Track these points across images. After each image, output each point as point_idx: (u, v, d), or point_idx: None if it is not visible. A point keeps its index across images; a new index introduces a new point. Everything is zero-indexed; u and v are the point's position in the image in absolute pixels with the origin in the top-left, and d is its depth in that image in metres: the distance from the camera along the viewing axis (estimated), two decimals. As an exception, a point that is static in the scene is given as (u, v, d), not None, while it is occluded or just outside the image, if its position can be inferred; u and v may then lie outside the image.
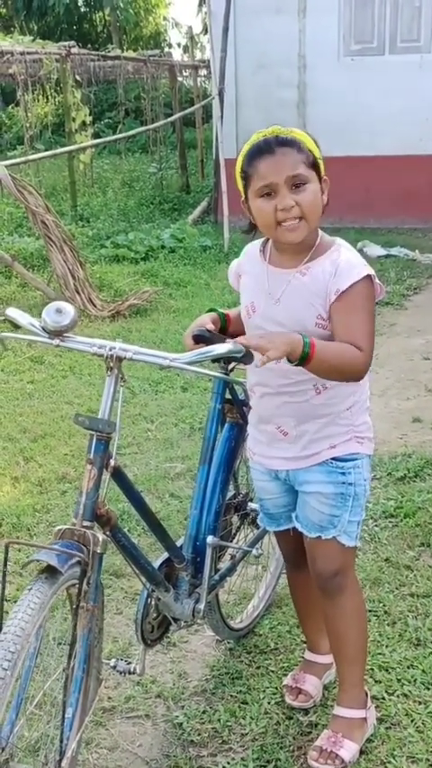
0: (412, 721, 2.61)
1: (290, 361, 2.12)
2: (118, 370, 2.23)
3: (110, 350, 2.22)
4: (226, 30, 11.30)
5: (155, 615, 2.61)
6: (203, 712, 2.70)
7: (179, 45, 30.37)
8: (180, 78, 16.71)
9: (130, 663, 2.50)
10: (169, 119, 12.79)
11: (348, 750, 2.46)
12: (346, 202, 10.67)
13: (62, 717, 2.05)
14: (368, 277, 2.25)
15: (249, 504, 3.00)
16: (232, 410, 2.79)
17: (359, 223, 10.85)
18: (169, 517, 3.82)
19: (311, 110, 11.88)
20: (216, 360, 2.43)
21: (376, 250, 9.62)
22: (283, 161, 2.20)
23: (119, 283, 8.16)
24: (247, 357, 2.25)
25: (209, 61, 14.96)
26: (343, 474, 2.40)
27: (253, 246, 2.45)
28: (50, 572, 1.99)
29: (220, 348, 2.14)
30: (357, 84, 11.51)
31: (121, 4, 26.50)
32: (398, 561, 3.47)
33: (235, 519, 2.97)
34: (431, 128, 11.39)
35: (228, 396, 2.78)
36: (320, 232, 2.33)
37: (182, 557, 2.63)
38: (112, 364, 2.22)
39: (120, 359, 2.22)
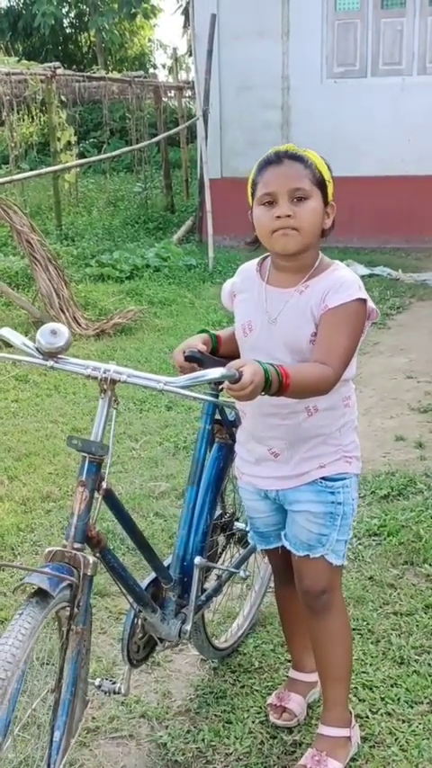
0: (396, 740, 2.62)
1: (266, 392, 2.12)
2: (111, 393, 2.25)
3: (104, 372, 2.23)
4: (210, 52, 11.40)
5: (141, 635, 2.61)
6: (188, 732, 2.70)
7: (164, 66, 30.64)
8: (165, 99, 16.80)
9: (114, 683, 2.50)
10: (154, 139, 12.85)
11: None
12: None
13: (50, 740, 2.05)
14: (360, 300, 2.28)
15: (236, 523, 3.02)
16: (221, 430, 2.80)
17: (343, 243, 10.94)
18: (154, 536, 3.82)
19: (295, 131, 11.98)
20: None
21: (359, 269, 9.68)
22: (288, 173, 2.25)
23: (104, 302, 8.18)
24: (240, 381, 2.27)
25: (194, 82, 15.08)
26: (332, 493, 2.43)
27: (249, 266, 2.48)
28: (41, 595, 1.99)
29: (214, 372, 2.14)
30: (340, 106, 11.63)
31: (107, 26, 26.68)
32: (381, 580, 3.49)
33: (221, 539, 2.98)
34: (413, 149, 11.51)
35: (217, 416, 2.79)
36: (321, 254, 2.37)
37: (169, 577, 2.63)
38: (105, 387, 2.24)
39: (114, 381, 2.23)
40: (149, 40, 31.87)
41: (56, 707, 2.08)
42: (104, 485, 2.24)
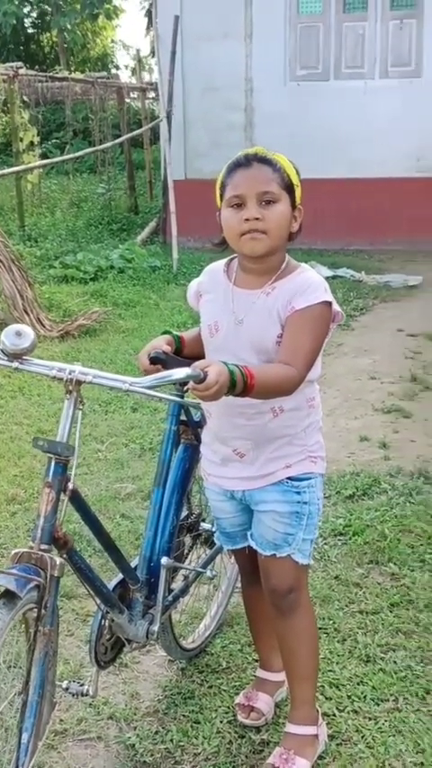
0: (362, 737, 2.64)
1: (230, 392, 2.13)
2: (77, 394, 2.25)
3: (69, 373, 2.23)
4: (174, 53, 11.41)
5: (108, 637, 2.61)
6: (156, 733, 2.70)
7: (127, 67, 30.61)
8: (128, 100, 16.77)
9: (82, 685, 2.50)
10: (117, 140, 12.82)
11: (300, 767, 2.48)
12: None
13: (17, 742, 2.04)
14: (326, 303, 2.31)
15: (202, 524, 3.02)
16: (187, 431, 2.81)
17: (306, 244, 10.98)
18: (120, 538, 3.82)
19: (258, 133, 12.03)
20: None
21: (323, 271, 9.74)
22: (256, 176, 2.28)
23: (68, 303, 8.15)
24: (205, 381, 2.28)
25: (157, 83, 15.07)
26: (298, 493, 2.44)
27: (215, 266, 2.49)
28: (8, 597, 1.98)
29: (179, 373, 2.14)
30: (303, 109, 11.69)
31: (69, 26, 26.59)
32: (347, 579, 3.52)
33: (188, 539, 2.99)
34: (376, 152, 11.60)
35: (183, 417, 2.80)
36: (287, 257, 2.39)
37: (136, 578, 2.64)
38: (71, 388, 2.23)
39: (79, 382, 2.23)
40: (112, 41, 31.83)
41: (23, 709, 2.07)
42: (71, 486, 2.24)
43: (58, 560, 2.15)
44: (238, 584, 3.33)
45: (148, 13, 26.30)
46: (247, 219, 2.27)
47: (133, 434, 5.16)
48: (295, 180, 2.34)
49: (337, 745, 2.62)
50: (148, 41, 28.09)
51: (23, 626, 2.14)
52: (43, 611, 2.10)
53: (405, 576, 3.55)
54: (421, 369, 6.49)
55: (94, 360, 6.54)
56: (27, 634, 2.16)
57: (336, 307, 2.36)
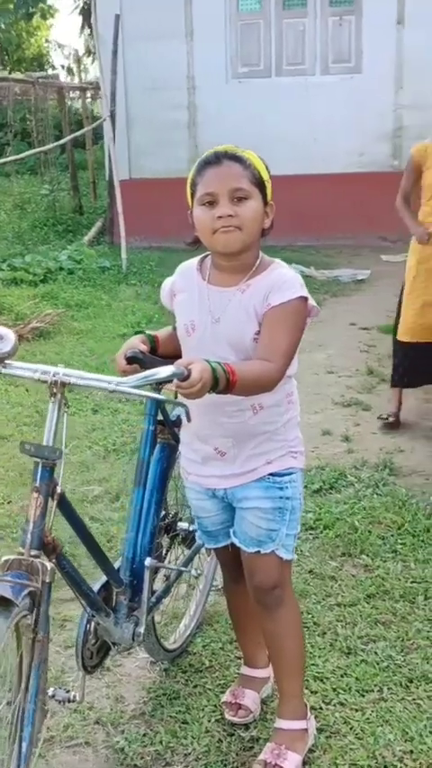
0: (351, 729, 2.66)
1: (213, 390, 2.14)
2: (62, 396, 2.22)
3: (54, 375, 2.20)
4: (115, 52, 11.35)
5: (93, 641, 2.59)
6: (144, 735, 2.68)
7: (63, 67, 30.32)
8: (68, 100, 16.63)
9: (68, 691, 2.47)
10: (61, 141, 12.69)
11: (292, 761, 2.48)
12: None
13: (12, 752, 2.01)
14: (301, 298, 2.32)
15: (179, 523, 3.02)
16: (164, 431, 2.79)
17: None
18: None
19: (202, 131, 12.03)
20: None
21: (273, 268, 9.77)
22: (227, 173, 2.28)
23: (19, 306, 8.04)
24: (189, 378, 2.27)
25: (96, 83, 14.97)
26: (280, 489, 2.45)
27: (188, 264, 2.49)
28: (4, 604, 1.96)
29: (164, 371, 2.14)
30: (246, 106, 11.71)
31: (3, 26, 26.26)
32: (322, 572, 3.54)
33: (165, 540, 2.98)
34: (319, 148, 11.68)
35: (159, 417, 2.79)
36: (261, 254, 2.39)
37: (120, 581, 2.62)
38: (55, 390, 2.21)
39: (64, 384, 2.21)
40: (47, 41, 31.51)
41: (21, 718, 2.04)
42: (59, 489, 2.22)
43: (49, 565, 2.13)
44: (215, 583, 3.34)
45: (83, 12, 26.10)
46: (220, 217, 2.27)
47: (95, 436, 5.12)
48: (265, 176, 2.34)
49: (327, 737, 2.63)
50: (83, 41, 27.91)
51: (15, 634, 2.11)
52: (37, 617, 2.07)
53: (378, 567, 3.59)
54: (376, 361, 6.55)
55: (51, 362, 6.44)
56: (18, 641, 2.13)
57: (311, 301, 2.37)
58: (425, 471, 4.59)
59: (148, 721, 2.75)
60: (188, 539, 3.05)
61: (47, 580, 2.10)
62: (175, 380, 2.10)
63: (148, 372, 2.20)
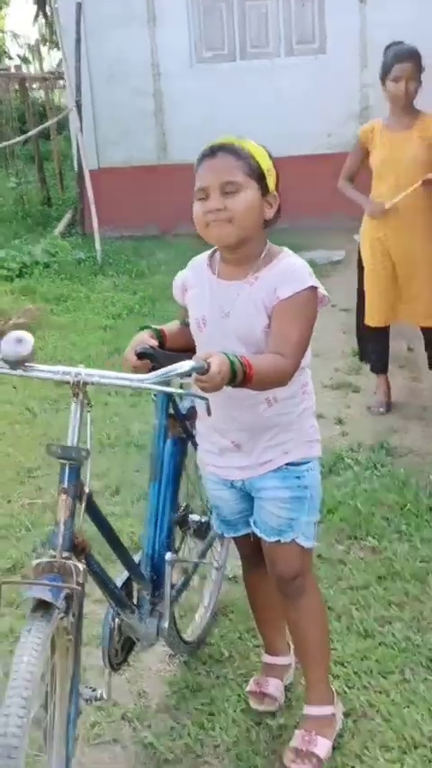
0: (377, 711, 2.68)
1: (231, 383, 2.14)
2: (84, 396, 2.21)
3: (75, 376, 2.19)
4: (78, 41, 11.23)
5: (118, 638, 2.59)
6: (171, 729, 2.69)
7: (19, 57, 29.98)
8: (30, 91, 16.45)
9: (94, 690, 2.46)
10: (28, 133, 12.53)
11: (323, 747, 2.51)
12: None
13: (65, 753, 2.01)
14: (311, 288, 2.31)
15: (190, 516, 3.02)
16: (175, 425, 2.79)
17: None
18: (93, 537, 3.76)
19: (169, 117, 11.95)
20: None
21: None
22: (220, 166, 2.28)
23: (-3, 303, 7.98)
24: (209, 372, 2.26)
25: (57, 72, 14.81)
26: (298, 478, 2.46)
27: (199, 259, 2.49)
28: (45, 608, 1.95)
29: (184, 366, 2.13)
30: (213, 90, 11.63)
31: (-43, 17, 25.91)
32: (330, 557, 3.55)
33: (178, 533, 2.98)
34: (287, 130, 11.63)
35: (171, 411, 2.78)
36: (269, 243, 2.38)
37: (142, 576, 2.62)
38: (78, 390, 2.20)
39: (85, 384, 2.20)
40: (2, 31, 31.13)
41: (68, 720, 2.05)
42: (87, 490, 2.21)
43: (81, 567, 2.12)
44: (226, 572, 3.35)
45: (38, 2, 25.84)
46: (209, 211, 2.27)
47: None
48: (266, 165, 2.33)
49: (354, 721, 2.66)
50: (37, 29, 27.61)
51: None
52: (72, 619, 2.07)
53: (385, 548, 3.61)
54: (361, 343, 6.56)
55: (36, 358, 6.40)
56: (52, 645, 2.12)
57: (321, 290, 2.37)
58: (420, 450, 4.62)
59: (173, 715, 2.76)
60: (200, 531, 3.05)
61: (80, 581, 2.09)
62: (194, 375, 2.10)
63: (169, 368, 2.18)
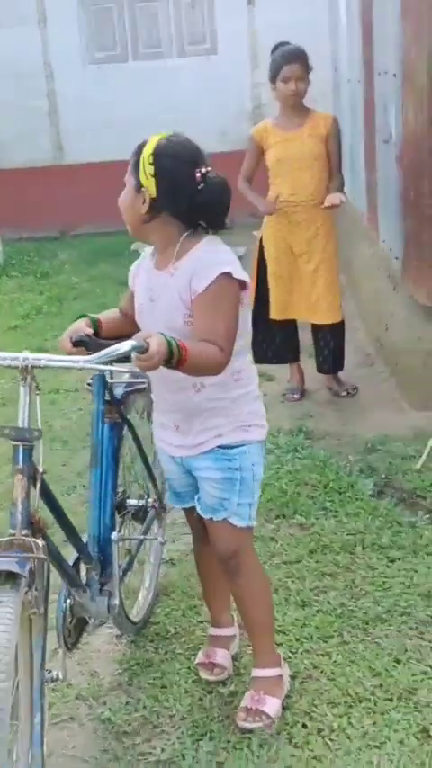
0: (322, 672, 2.83)
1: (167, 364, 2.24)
2: (32, 379, 2.27)
3: (23, 360, 2.26)
4: (-32, 41, 11.12)
5: (70, 619, 2.66)
6: (126, 704, 2.77)
7: None
8: None
9: (50, 671, 2.52)
10: None
11: (272, 705, 2.64)
12: (113, 207, 10.84)
13: (31, 724, 2.08)
14: (224, 275, 2.38)
15: (128, 501, 3.10)
16: (111, 410, 2.87)
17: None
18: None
19: (64, 117, 11.94)
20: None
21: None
22: None
23: None
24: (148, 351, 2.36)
25: None
26: (229, 460, 2.57)
27: (149, 249, 2.59)
28: (13, 579, 2.01)
29: (125, 345, 2.23)
30: (106, 91, 11.66)
31: None
32: (262, 535, 3.68)
33: (117, 517, 3.06)
34: (182, 129, 11.70)
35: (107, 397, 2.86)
36: (186, 235, 2.45)
37: (90, 557, 2.69)
38: (26, 374, 2.26)
39: (33, 367, 2.26)
40: None
41: (31, 691, 2.11)
42: (41, 469, 2.28)
43: (41, 543, 2.18)
44: (164, 556, 3.45)
45: None
46: None
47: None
48: (143, 159, 2.38)
49: (300, 683, 2.79)
50: None
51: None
52: (35, 593, 2.13)
53: (313, 524, 3.77)
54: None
55: None
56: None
57: (236, 274, 2.40)
58: (336, 433, 4.80)
59: (127, 690, 2.84)
60: (138, 514, 3.14)
61: (41, 556, 2.16)
62: (134, 354, 2.20)
63: (110, 348, 2.27)
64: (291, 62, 4.85)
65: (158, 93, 11.68)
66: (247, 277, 2.47)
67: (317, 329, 5.29)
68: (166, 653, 3.00)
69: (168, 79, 11.79)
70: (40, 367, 2.28)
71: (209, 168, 2.41)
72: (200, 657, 2.89)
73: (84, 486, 4.02)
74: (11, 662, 1.90)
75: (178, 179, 2.38)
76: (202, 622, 3.11)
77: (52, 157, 11.96)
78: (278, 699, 2.67)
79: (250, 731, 2.59)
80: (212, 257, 2.41)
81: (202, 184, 2.39)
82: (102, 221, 11.97)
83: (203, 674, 2.85)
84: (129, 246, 10.49)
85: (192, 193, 2.39)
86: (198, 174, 2.39)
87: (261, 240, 5.25)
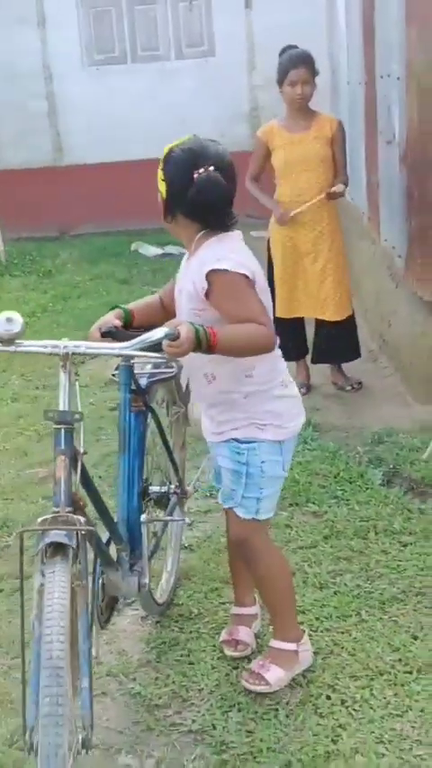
0: (343, 648, 2.95)
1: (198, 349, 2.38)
2: (71, 366, 2.39)
3: (63, 348, 2.38)
4: (-32, 43, 11.22)
5: (102, 597, 2.78)
6: (156, 679, 2.89)
7: None
8: None
9: None
10: None
11: (274, 674, 2.77)
12: (112, 207, 10.99)
13: (80, 688, 2.19)
14: (213, 271, 2.49)
15: (151, 488, 3.21)
16: (137, 399, 2.98)
17: (129, 225, 11.13)
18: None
19: (63, 119, 12.06)
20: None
21: (152, 250, 9.95)
22: None
23: None
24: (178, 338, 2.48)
25: None
26: (239, 453, 2.71)
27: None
28: (63, 550, 2.13)
29: (158, 332, 2.37)
30: (105, 93, 11.79)
31: None
32: (277, 522, 3.80)
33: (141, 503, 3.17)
34: (180, 131, 11.72)
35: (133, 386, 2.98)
36: (200, 231, 2.61)
37: (121, 538, 2.81)
38: (66, 361, 2.38)
39: (73, 354, 2.38)
40: None
41: (76, 658, 2.22)
42: (82, 450, 2.39)
43: (83, 518, 2.30)
44: (183, 542, 3.57)
45: None
46: None
47: (23, 423, 5.22)
48: (159, 168, 2.61)
49: (323, 659, 2.92)
50: None
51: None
52: (79, 565, 2.24)
53: (326, 512, 3.89)
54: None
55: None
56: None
57: (224, 266, 2.49)
58: (343, 426, 4.93)
59: (155, 667, 2.96)
60: (161, 501, 3.25)
61: (88, 527, 2.28)
62: (166, 341, 2.33)
63: (145, 335, 2.40)
64: (297, 66, 4.98)
65: (157, 95, 11.81)
66: (246, 270, 2.53)
67: (320, 323, 5.41)
68: (190, 632, 3.12)
69: (166, 81, 11.92)
70: (79, 354, 2.40)
71: (209, 168, 2.54)
72: (223, 636, 3.01)
73: (100, 477, 4.13)
74: (67, 625, 2.02)
75: (177, 181, 2.56)
76: (223, 603, 3.23)
77: (51, 159, 12.07)
78: (284, 671, 2.79)
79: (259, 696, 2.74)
80: (210, 255, 2.55)
81: (196, 184, 2.54)
82: (100, 221, 12.14)
83: (227, 651, 2.97)
84: (128, 246, 10.69)
85: (191, 194, 2.54)
86: (195, 175, 2.53)
87: (269, 241, 5.37)
